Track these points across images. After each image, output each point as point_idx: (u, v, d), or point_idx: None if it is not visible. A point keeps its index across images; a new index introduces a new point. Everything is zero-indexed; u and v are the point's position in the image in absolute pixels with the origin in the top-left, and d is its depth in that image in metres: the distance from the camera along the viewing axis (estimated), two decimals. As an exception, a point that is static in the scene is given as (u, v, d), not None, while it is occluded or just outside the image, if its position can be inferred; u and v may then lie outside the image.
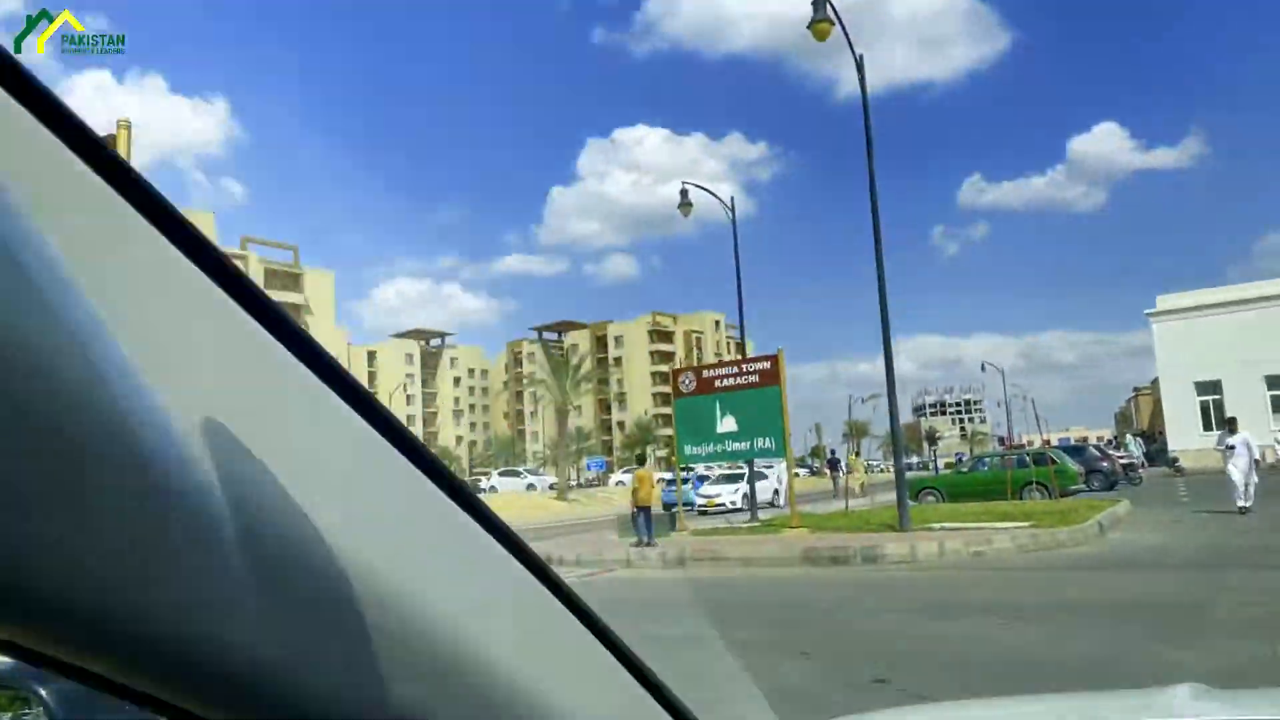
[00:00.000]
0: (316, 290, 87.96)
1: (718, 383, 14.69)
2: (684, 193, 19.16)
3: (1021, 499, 19.55)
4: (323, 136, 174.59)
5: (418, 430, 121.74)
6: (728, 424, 14.40)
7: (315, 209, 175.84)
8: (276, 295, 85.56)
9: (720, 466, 24.47)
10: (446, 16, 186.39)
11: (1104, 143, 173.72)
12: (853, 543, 11.45)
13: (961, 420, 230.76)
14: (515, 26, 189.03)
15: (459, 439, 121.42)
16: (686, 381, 15.29)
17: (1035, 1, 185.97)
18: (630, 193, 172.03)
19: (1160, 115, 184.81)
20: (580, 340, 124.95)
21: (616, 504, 37.70)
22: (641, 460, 16.84)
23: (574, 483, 57.61)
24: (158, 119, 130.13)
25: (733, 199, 19.42)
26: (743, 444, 14.35)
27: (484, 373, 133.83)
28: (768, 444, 14.06)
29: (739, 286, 19.05)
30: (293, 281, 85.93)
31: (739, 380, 14.38)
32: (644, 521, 13.92)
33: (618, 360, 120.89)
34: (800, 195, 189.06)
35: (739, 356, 15.39)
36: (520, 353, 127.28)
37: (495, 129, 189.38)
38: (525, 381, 45.14)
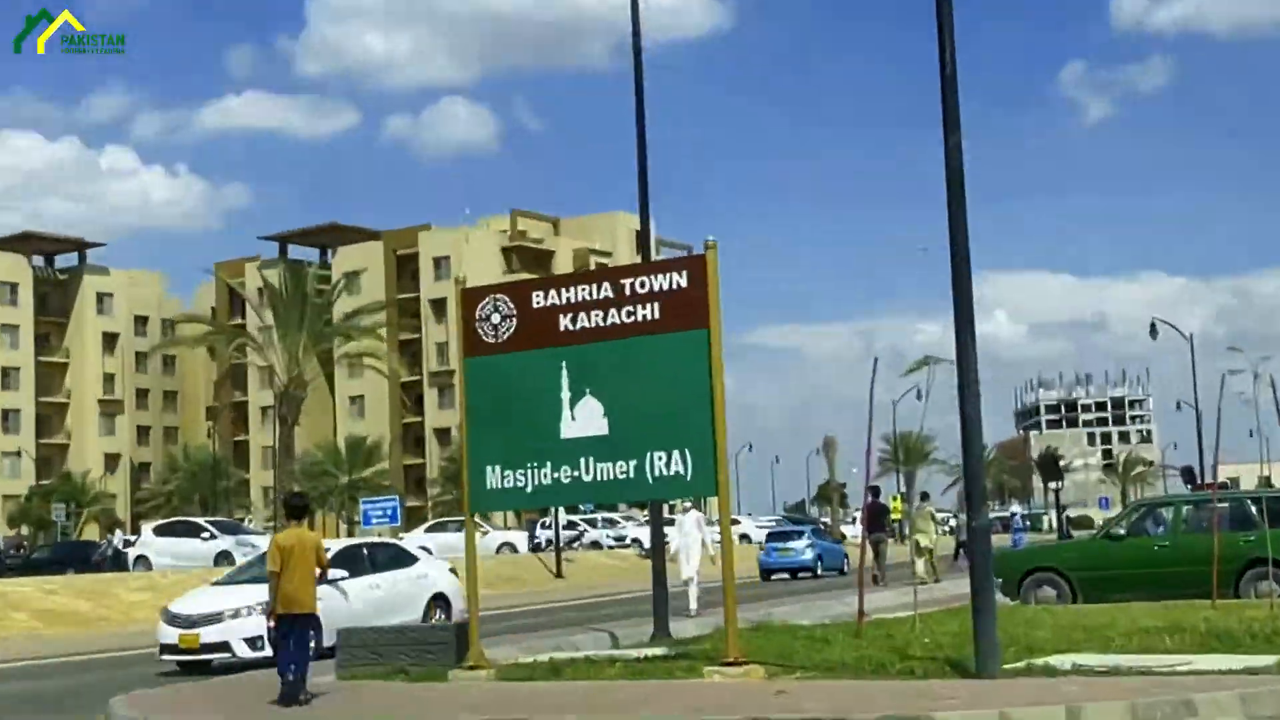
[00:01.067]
0: None
1: (568, 320, 11.91)
2: None
3: (1240, 595, 17.75)
4: None
5: (22, 441, 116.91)
6: (587, 418, 11.78)
7: None
8: None
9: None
10: None
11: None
12: (860, 712, 9.07)
13: (1107, 436, 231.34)
14: None
15: (111, 458, 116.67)
16: (495, 318, 12.32)
17: None
18: None
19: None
20: (366, 261, 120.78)
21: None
22: (300, 513, 13.89)
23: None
24: None
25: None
26: (619, 465, 11.67)
27: (170, 325, 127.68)
28: (676, 465, 11.32)
29: (641, 136, 16.81)
30: None
31: (619, 315, 11.58)
32: (292, 648, 11.80)
33: (440, 306, 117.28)
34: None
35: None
36: (243, 283, 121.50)
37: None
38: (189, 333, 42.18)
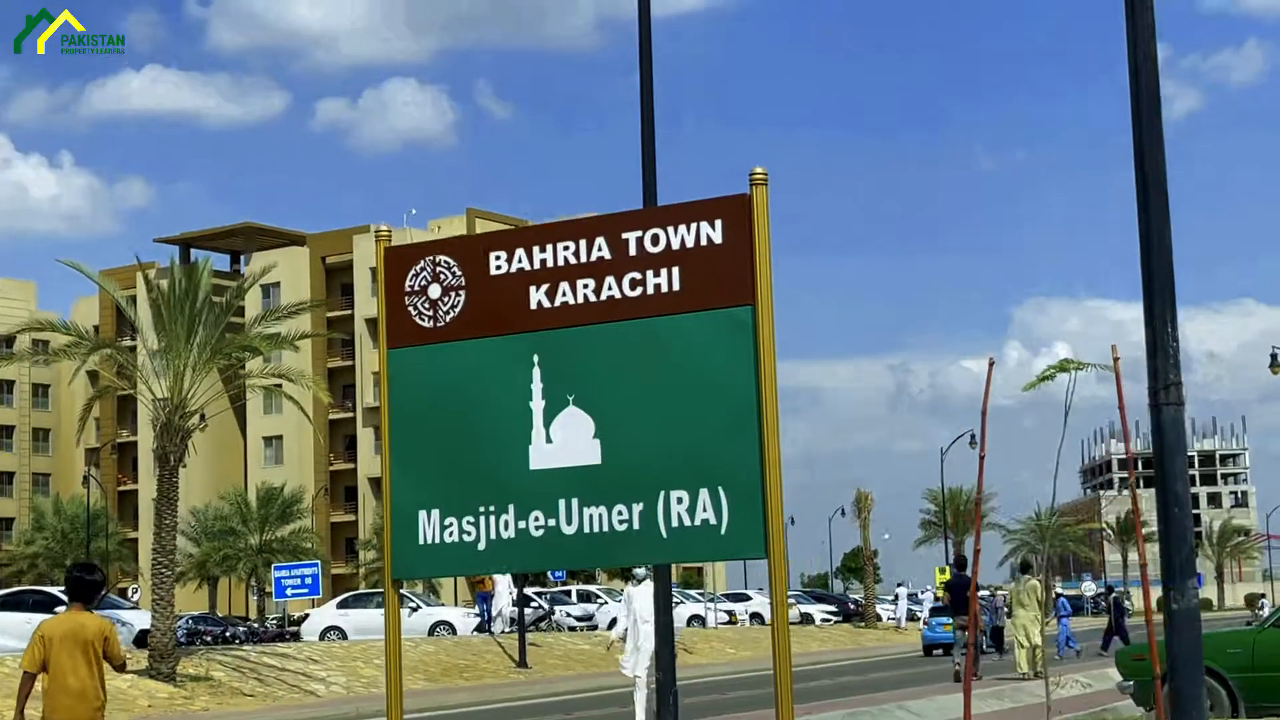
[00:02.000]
0: None
1: (543, 294, 9.53)
2: None
3: None
4: None
5: None
6: (570, 440, 9.37)
7: None
8: None
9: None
10: None
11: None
12: None
13: (1194, 498, 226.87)
14: None
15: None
16: (433, 288, 9.85)
17: None
18: None
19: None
20: (289, 270, 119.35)
21: (316, 694, 32.85)
22: (82, 589, 11.92)
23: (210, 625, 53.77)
24: None
25: None
26: (618, 511, 9.13)
27: (43, 345, 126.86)
28: (704, 511, 8.75)
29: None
30: None
31: (620, 285, 9.26)
32: None
33: (374, 324, 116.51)
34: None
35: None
36: (134, 296, 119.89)
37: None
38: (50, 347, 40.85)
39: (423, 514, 9.65)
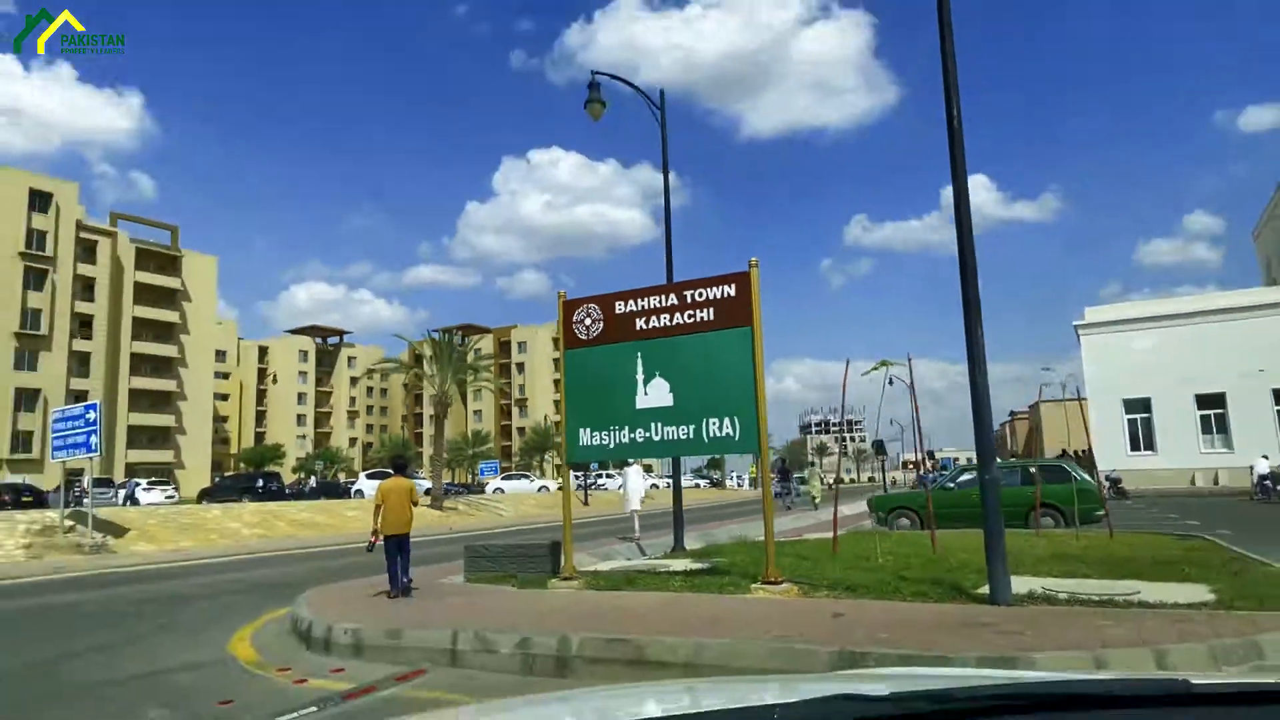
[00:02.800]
0: (197, 275, 77.27)
1: (642, 322, 7.89)
2: (594, 85, 12.88)
3: (1028, 526, 13.92)
4: (239, 138, 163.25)
5: (308, 431, 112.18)
6: (657, 393, 7.66)
7: (229, 212, 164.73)
8: (148, 278, 74.86)
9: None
10: (368, 25, 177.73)
11: (974, 193, 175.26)
12: (914, 628, 5.40)
13: (845, 439, 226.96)
14: (435, 44, 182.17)
15: (353, 440, 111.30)
16: (588, 320, 8.24)
17: (920, 61, 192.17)
18: (543, 212, 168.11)
19: (1022, 171, 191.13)
20: (484, 345, 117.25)
21: (503, 516, 31.42)
22: (400, 468, 9.74)
23: (454, 488, 51.29)
24: (64, 107, 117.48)
25: (662, 93, 13.00)
26: (682, 429, 7.56)
27: (384, 375, 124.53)
28: (727, 428, 7.26)
29: (667, 204, 12.88)
30: (169, 264, 74.98)
31: (681, 317, 7.62)
32: (399, 562, 8.93)
33: (520, 365, 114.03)
34: (702, 220, 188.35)
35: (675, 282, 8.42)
36: (421, 354, 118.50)
37: (415, 143, 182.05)
38: (381, 369, 37.74)
39: (582, 430, 8.60)
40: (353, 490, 34.52)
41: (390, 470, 10.15)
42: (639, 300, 7.97)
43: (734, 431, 7.27)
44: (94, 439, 17.26)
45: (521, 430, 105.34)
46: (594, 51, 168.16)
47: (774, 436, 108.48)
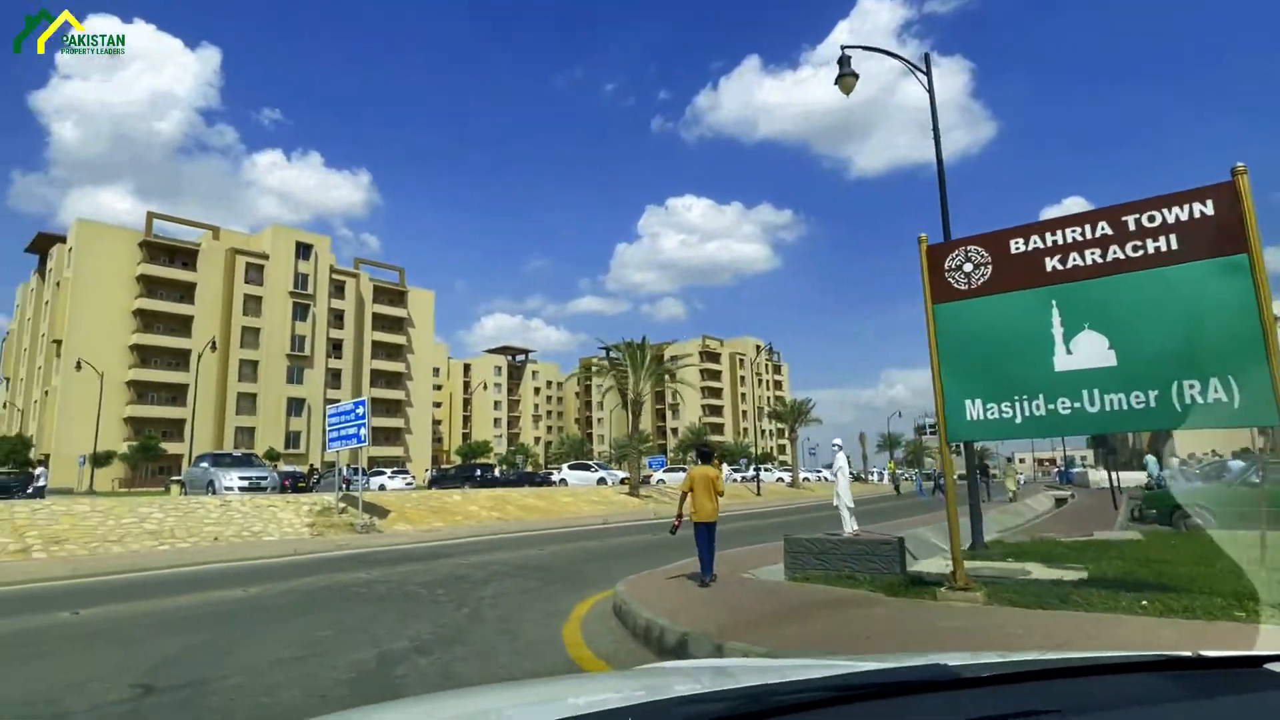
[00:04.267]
0: (418, 306, 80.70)
1: (1055, 261, 4.97)
2: (844, 60, 10.51)
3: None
4: (445, 203, 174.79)
5: (502, 431, 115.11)
6: (1087, 351, 4.75)
7: (435, 260, 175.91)
8: (382, 309, 78.69)
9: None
10: (540, 104, 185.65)
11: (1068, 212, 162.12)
12: None
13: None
14: (591, 117, 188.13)
15: (537, 439, 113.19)
16: (967, 266, 5.36)
17: (1015, 98, 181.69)
18: (679, 249, 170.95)
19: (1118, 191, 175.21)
20: (623, 359, 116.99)
21: None
22: (706, 456, 8.08)
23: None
24: (316, 186, 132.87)
25: (927, 57, 10.40)
26: (1135, 396, 4.54)
27: (559, 385, 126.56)
28: (1217, 393, 4.23)
29: (940, 163, 10.15)
30: (398, 298, 78.66)
31: (1122, 250, 4.72)
32: (704, 546, 7.14)
33: (672, 374, 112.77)
34: (816, 251, 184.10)
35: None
36: (591, 367, 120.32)
37: (576, 199, 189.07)
38: (594, 369, 36.08)
39: (968, 401, 5.38)
40: (556, 479, 33.09)
41: (697, 458, 7.92)
42: (1047, 235, 5.07)
43: (1230, 397, 4.45)
44: (363, 431, 16.35)
45: (675, 430, 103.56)
46: (721, 112, 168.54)
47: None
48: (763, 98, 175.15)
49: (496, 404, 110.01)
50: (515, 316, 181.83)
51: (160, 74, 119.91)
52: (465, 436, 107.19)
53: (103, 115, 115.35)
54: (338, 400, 70.39)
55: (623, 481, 30.39)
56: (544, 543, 14.18)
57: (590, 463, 33.29)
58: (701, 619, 5.12)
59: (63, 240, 62.60)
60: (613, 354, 30.89)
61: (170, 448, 57.18)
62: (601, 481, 30.76)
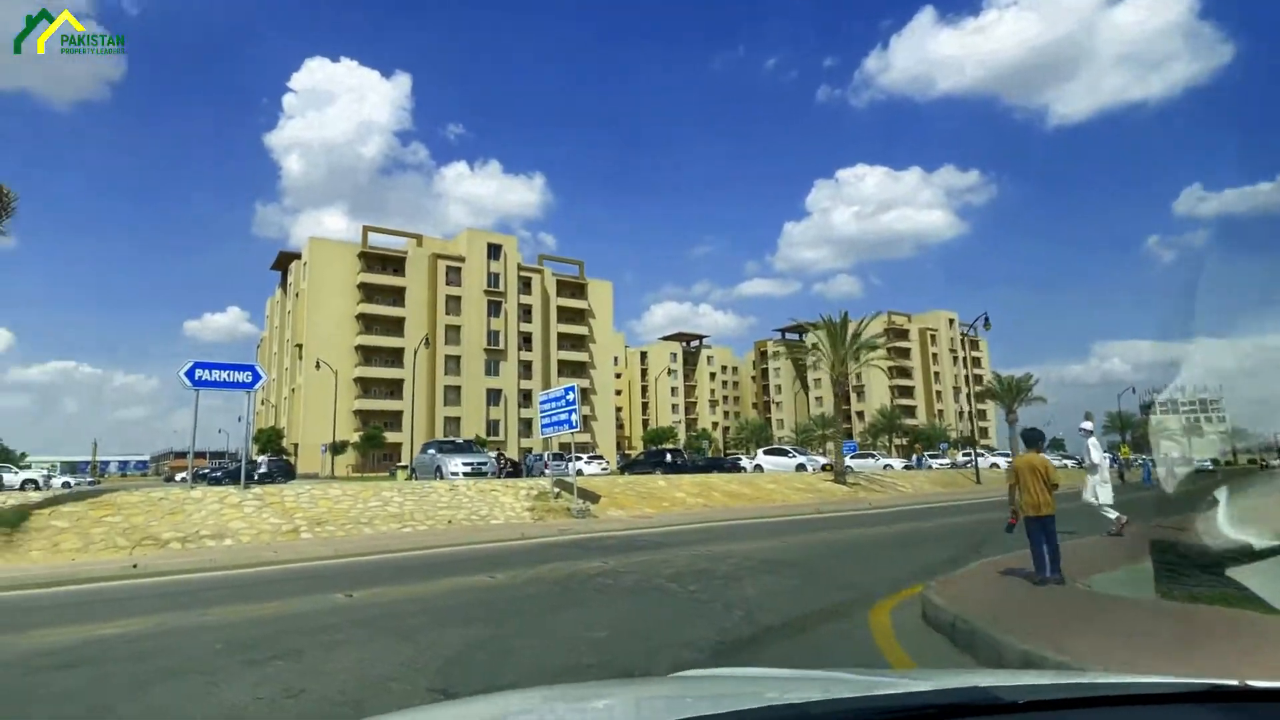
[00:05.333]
0: (598, 298, 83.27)
1: None
2: None
3: None
4: (612, 197, 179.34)
5: (680, 416, 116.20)
6: None
7: (605, 254, 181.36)
8: (565, 302, 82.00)
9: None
10: (702, 88, 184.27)
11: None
12: None
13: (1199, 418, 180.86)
14: (752, 96, 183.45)
15: (714, 424, 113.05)
16: None
17: (1257, 12, 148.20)
18: (852, 223, 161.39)
19: None
20: (821, 337, 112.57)
21: (904, 491, 26.87)
22: (1033, 441, 5.53)
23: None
24: (496, 192, 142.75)
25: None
26: None
27: (734, 369, 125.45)
28: None
29: None
30: (579, 290, 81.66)
31: None
32: (1045, 546, 6.02)
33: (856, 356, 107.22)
34: (1011, 214, 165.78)
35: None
36: (765, 351, 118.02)
37: (741, 181, 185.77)
38: (785, 349, 34.35)
39: None
40: (748, 465, 31.99)
41: (1025, 445, 6.49)
42: None
43: None
44: (574, 416, 16.40)
45: (861, 414, 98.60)
46: (893, 73, 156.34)
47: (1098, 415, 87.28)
48: (939, 51, 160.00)
49: (674, 390, 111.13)
50: (683, 304, 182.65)
51: (363, 104, 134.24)
52: (645, 423, 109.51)
53: (320, 147, 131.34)
54: (529, 391, 74.56)
55: (824, 468, 28.67)
56: (771, 534, 13.22)
57: (787, 447, 31.82)
58: (1102, 652, 3.86)
59: (299, 257, 71.69)
60: (790, 335, 29.26)
61: (390, 437, 63.65)
62: (800, 468, 29.19)
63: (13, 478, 32.42)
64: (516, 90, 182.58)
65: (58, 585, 8.57)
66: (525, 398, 74.15)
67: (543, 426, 17.23)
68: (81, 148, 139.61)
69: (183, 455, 78.66)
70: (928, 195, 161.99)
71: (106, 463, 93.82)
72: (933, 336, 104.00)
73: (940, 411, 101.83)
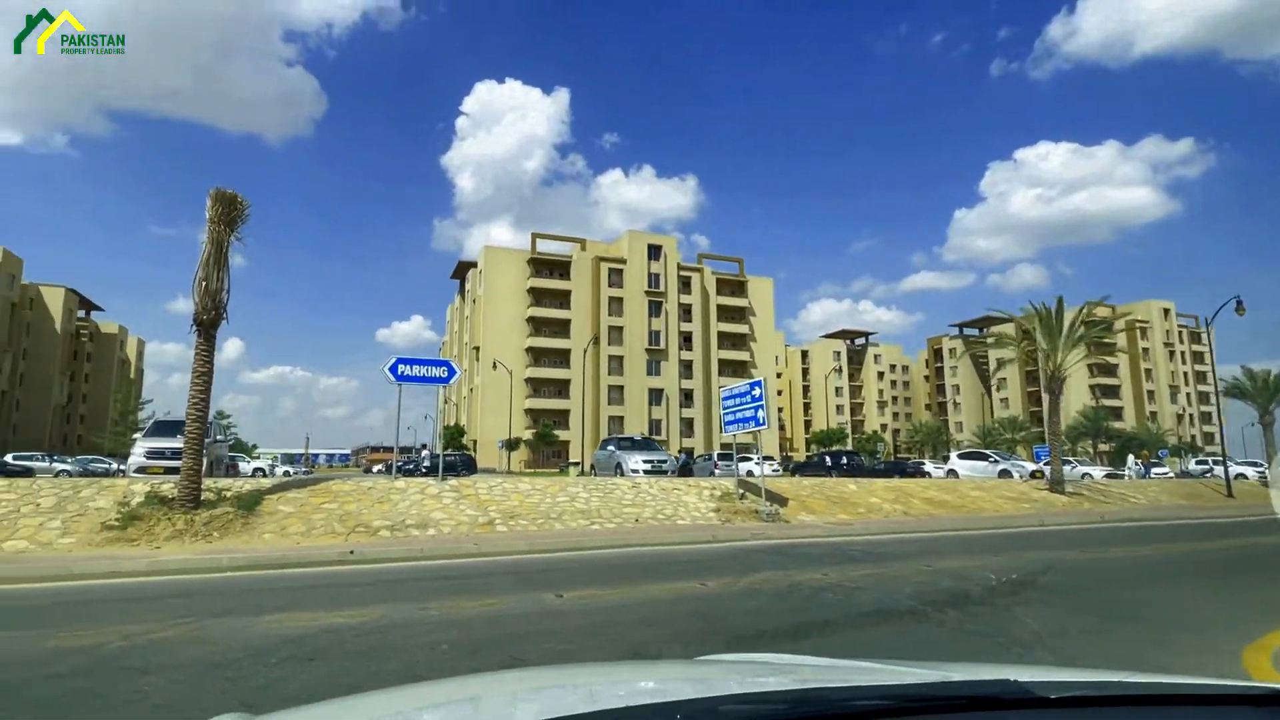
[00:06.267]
0: (758, 295, 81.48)
1: None
2: None
3: None
4: (766, 195, 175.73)
5: (845, 418, 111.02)
6: None
7: (760, 252, 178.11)
8: (724, 301, 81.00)
9: None
10: (860, 85, 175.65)
11: None
12: None
13: None
14: (917, 75, 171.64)
15: (883, 426, 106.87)
16: None
17: None
18: (1035, 206, 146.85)
19: None
20: (1006, 332, 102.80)
21: (1139, 504, 22.38)
22: None
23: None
24: (649, 196, 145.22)
25: None
26: None
27: (904, 368, 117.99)
28: None
29: None
30: (739, 288, 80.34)
31: None
32: None
33: (1098, 344, 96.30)
34: (1237, 186, 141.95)
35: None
36: (940, 348, 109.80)
37: (905, 169, 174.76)
38: (991, 341, 31.20)
39: None
40: (938, 469, 29.17)
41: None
42: None
43: None
44: (761, 413, 15.39)
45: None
46: (1081, 38, 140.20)
47: None
48: (1140, 5, 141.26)
49: (837, 390, 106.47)
50: (842, 301, 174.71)
51: (526, 121, 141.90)
52: (807, 424, 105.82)
53: (488, 164, 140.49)
54: (690, 391, 74.41)
55: (1034, 475, 25.50)
56: (1002, 549, 11.42)
57: (987, 451, 28.58)
58: None
59: (475, 265, 76.52)
60: (969, 330, 26.15)
61: (558, 434, 66.03)
62: (1004, 474, 26.08)
63: (246, 466, 36.98)
64: (667, 93, 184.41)
65: (286, 568, 8.95)
66: (686, 397, 74.02)
67: (726, 423, 16.38)
68: (291, 177, 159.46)
69: (377, 449, 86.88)
70: (1127, 171, 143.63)
71: (316, 455, 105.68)
72: (1142, 330, 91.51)
73: (1153, 413, 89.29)
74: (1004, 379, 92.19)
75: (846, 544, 11.83)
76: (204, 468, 11.79)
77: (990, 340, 39.76)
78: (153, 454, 15.36)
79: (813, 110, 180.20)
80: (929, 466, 35.56)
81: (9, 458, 33.96)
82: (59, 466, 33.54)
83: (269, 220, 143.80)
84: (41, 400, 76.55)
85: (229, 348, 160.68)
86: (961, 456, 28.11)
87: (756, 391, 15.63)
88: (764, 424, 15.25)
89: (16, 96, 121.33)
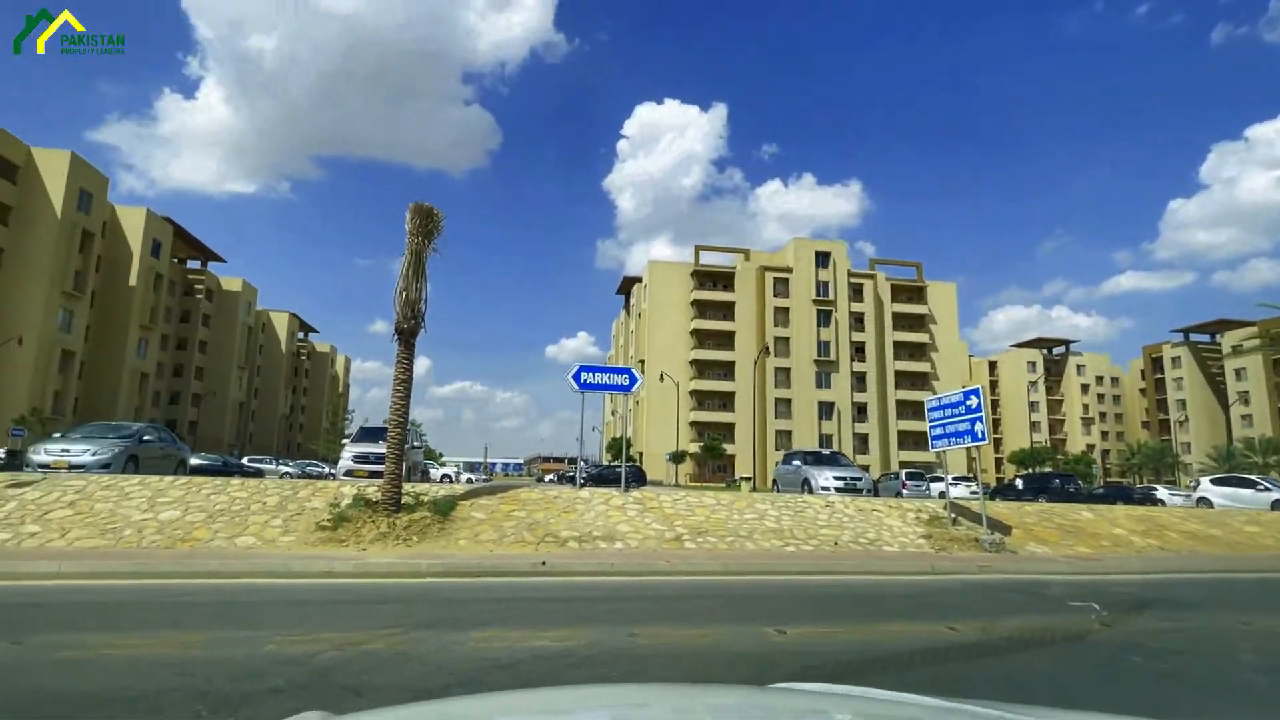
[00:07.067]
0: (939, 301, 75.62)
1: None
2: None
3: None
4: (940, 197, 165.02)
5: (1042, 437, 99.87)
6: None
7: (933, 258, 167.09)
8: (902, 307, 76.07)
9: None
10: (1048, 72, 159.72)
11: None
12: None
13: None
14: (1118, 55, 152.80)
15: (1090, 446, 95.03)
16: None
17: None
18: (1273, 191, 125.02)
19: None
20: (1242, 340, 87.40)
21: None
22: None
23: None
24: (811, 204, 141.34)
25: None
26: None
27: (1114, 380, 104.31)
28: None
29: None
30: (917, 294, 75.04)
31: None
32: None
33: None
34: None
35: None
36: (1159, 357, 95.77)
37: (1104, 160, 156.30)
38: (1239, 347, 26.26)
39: None
40: (1195, 499, 24.49)
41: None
42: None
43: None
44: (978, 426, 13.50)
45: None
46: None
47: None
48: None
49: (1033, 405, 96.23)
50: (1030, 307, 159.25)
51: (684, 139, 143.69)
52: (996, 443, 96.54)
53: (648, 184, 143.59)
54: (864, 404, 70.41)
55: (1322, 506, 20.71)
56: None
57: (1254, 478, 23.60)
58: None
59: (639, 280, 77.81)
60: (1196, 335, 21.63)
61: (725, 448, 64.98)
62: (1277, 505, 21.41)
63: (435, 473, 39.59)
64: (827, 98, 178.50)
65: (482, 575, 8.76)
66: (859, 411, 70.07)
67: (934, 438, 14.59)
68: (470, 208, 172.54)
69: (548, 460, 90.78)
70: None
71: (494, 464, 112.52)
72: None
73: None
74: (1244, 392, 78.61)
75: (1105, 583, 9.79)
76: (404, 472, 12.18)
77: (1239, 346, 33.62)
78: (359, 459, 16.40)
79: (987, 101, 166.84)
80: (1162, 493, 30.52)
81: (245, 460, 38.79)
82: (283, 469, 37.79)
83: (449, 250, 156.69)
84: (270, 410, 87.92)
85: (417, 365, 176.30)
86: (1215, 482, 23.47)
87: (973, 401, 13.75)
88: (983, 438, 13.35)
89: (256, 155, 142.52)
